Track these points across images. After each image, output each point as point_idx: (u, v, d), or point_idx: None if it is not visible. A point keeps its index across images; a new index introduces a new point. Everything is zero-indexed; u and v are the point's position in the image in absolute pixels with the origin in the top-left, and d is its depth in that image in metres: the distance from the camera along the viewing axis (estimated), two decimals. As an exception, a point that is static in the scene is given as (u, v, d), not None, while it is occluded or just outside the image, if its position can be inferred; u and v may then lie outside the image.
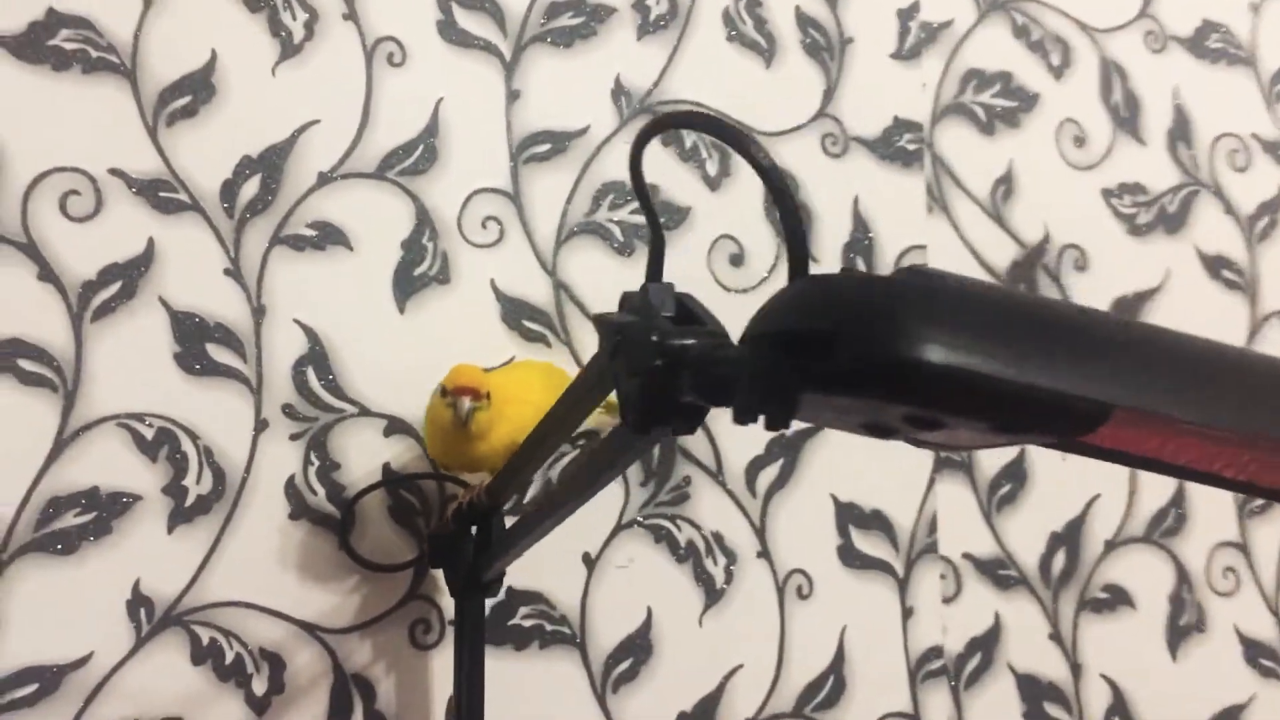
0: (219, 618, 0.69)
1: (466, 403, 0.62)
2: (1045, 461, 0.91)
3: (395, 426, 0.74)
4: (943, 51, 0.93)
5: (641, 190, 0.45)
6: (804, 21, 0.89)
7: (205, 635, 0.69)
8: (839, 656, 0.83)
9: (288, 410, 0.73)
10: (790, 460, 0.84)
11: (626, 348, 0.39)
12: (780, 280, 0.85)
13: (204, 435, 0.71)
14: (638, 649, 0.78)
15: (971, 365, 0.28)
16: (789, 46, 0.89)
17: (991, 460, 0.90)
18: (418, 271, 0.77)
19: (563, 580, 0.77)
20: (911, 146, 0.92)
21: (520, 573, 0.76)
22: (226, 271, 0.73)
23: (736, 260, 0.85)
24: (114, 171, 0.72)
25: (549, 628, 0.76)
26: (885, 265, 0.89)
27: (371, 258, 0.76)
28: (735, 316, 0.83)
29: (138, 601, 0.68)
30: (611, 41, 0.85)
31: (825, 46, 0.90)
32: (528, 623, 0.76)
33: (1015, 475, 0.91)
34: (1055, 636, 0.90)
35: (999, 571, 0.89)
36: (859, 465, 0.86)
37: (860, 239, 0.88)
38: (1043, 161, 0.95)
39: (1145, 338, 0.32)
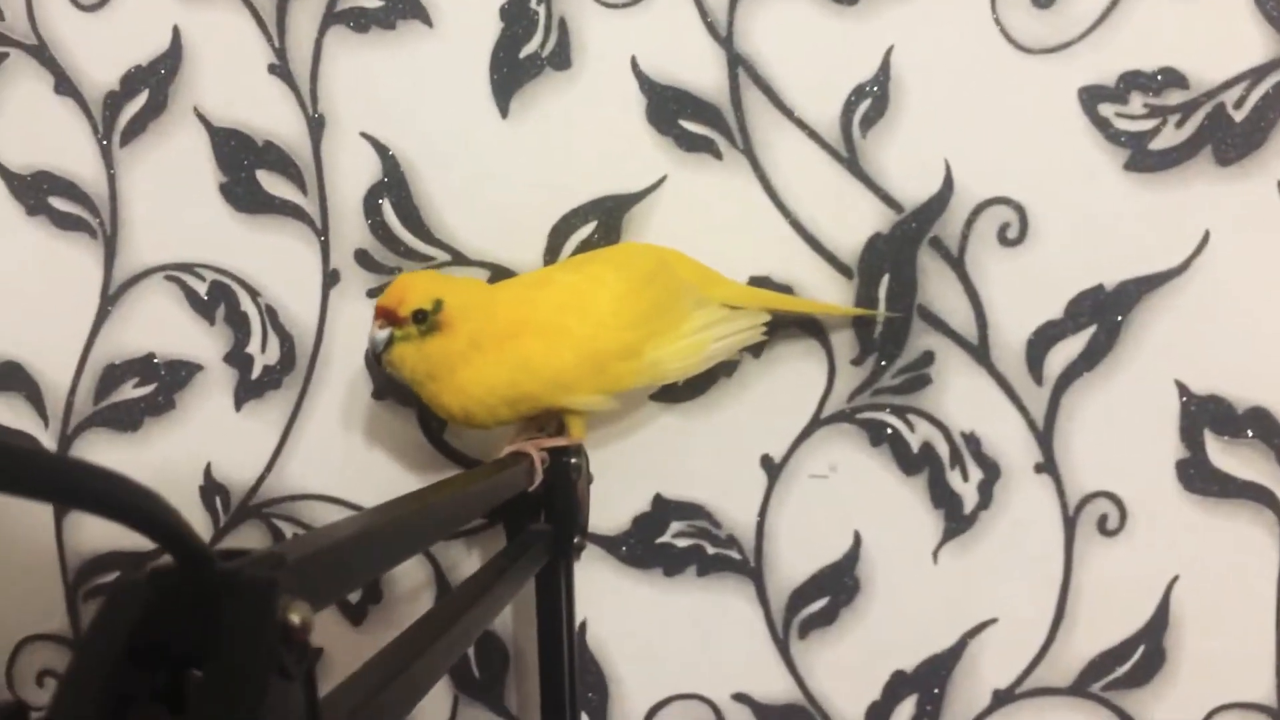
0: (300, 511, 0.61)
1: (374, 331, 0.46)
2: None
3: (502, 277, 0.58)
4: None
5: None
6: None
7: (289, 531, 0.62)
8: (1159, 619, 0.59)
9: (361, 258, 0.59)
10: (1109, 330, 0.57)
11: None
12: (1124, 21, 0.54)
13: (264, 291, 0.59)
14: (838, 586, 0.59)
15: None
16: None
17: None
18: (525, 52, 0.56)
19: (732, 490, 0.59)
20: None
21: (675, 479, 0.60)
22: (272, 68, 0.58)
23: (1044, -2, 0.55)
24: (121, -63, 0.58)
25: (711, 550, 0.60)
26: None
27: (459, 35, 0.56)
28: (1046, 87, 0.56)
29: (212, 489, 0.61)
30: None
31: None
32: (682, 542, 0.60)
33: None
34: None
35: None
36: (1233, 340, 0.57)
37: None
38: None
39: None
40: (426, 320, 0.46)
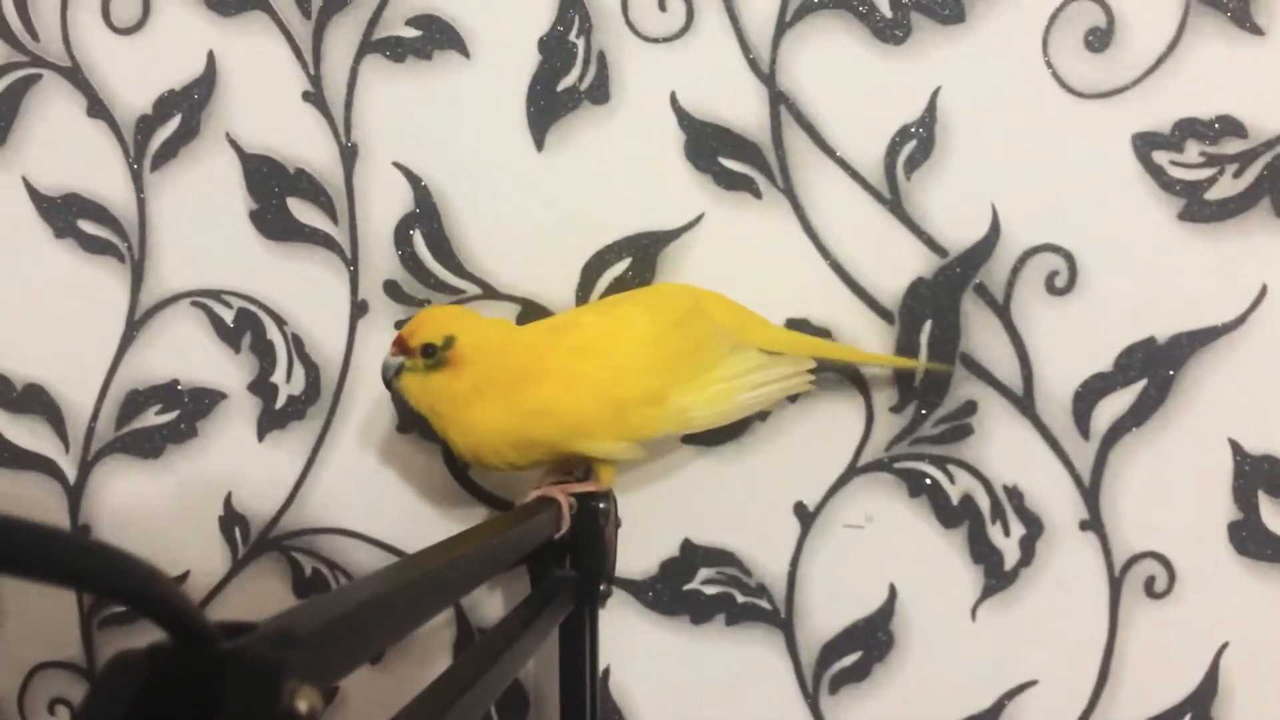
0: (321, 545, 0.60)
1: (388, 356, 0.47)
2: None
3: (532, 312, 0.57)
4: None
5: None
6: None
7: (308, 565, 0.60)
8: (1207, 687, 0.57)
9: (391, 289, 0.57)
10: (1159, 384, 0.55)
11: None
12: (1180, 67, 0.53)
13: (291, 320, 0.58)
14: (871, 640, 0.57)
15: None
16: None
17: None
18: (562, 85, 0.55)
19: (764, 538, 0.57)
20: None
21: (705, 524, 0.58)
22: (306, 96, 0.57)
23: (1099, 39, 0.53)
24: (160, -40, 0.58)
25: (740, 599, 0.58)
26: None
27: (496, 67, 0.55)
28: (1098, 132, 0.54)
29: (232, 519, 0.60)
30: None
31: None
32: (711, 589, 0.58)
33: None
34: None
35: None
36: (1291, 398, 0.55)
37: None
38: None
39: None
40: (434, 355, 0.46)
